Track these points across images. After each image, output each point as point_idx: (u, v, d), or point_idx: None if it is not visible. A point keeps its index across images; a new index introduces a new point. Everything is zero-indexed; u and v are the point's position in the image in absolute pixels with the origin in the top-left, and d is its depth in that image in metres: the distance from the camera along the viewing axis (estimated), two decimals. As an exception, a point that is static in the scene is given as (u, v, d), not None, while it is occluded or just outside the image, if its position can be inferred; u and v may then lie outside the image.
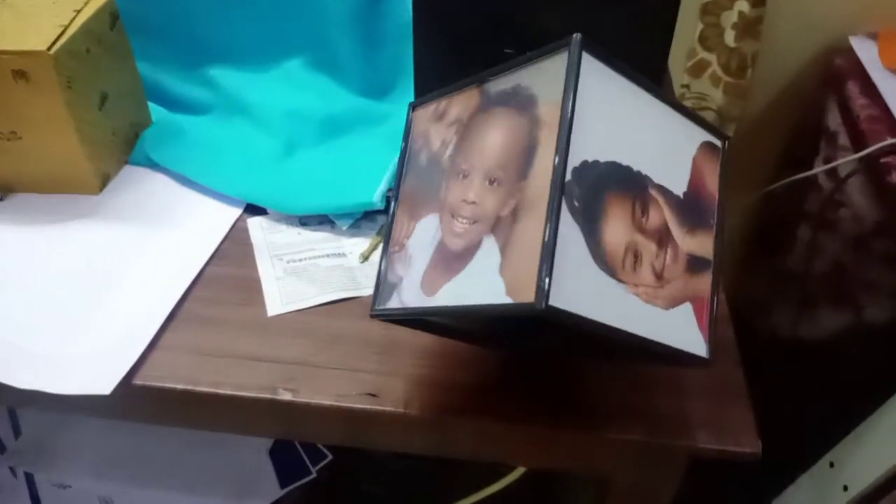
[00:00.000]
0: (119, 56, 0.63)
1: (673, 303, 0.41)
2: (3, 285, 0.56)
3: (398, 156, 0.48)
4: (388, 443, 0.54)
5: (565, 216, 0.36)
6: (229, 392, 0.48)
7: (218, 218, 0.62)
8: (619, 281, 0.38)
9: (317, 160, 0.66)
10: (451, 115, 0.45)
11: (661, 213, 0.41)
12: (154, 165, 0.66)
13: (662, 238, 0.41)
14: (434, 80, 0.50)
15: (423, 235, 0.43)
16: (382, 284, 0.45)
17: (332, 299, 0.55)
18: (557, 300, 0.34)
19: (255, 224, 0.62)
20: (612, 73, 0.40)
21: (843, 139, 0.90)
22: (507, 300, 0.36)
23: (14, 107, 0.57)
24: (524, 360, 0.51)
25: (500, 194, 0.39)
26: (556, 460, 0.54)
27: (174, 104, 0.70)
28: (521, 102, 0.40)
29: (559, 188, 0.35)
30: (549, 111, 0.37)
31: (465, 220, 0.40)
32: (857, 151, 0.83)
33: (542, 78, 0.39)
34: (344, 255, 0.59)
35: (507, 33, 0.55)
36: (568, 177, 0.36)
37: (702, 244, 0.43)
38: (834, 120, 0.92)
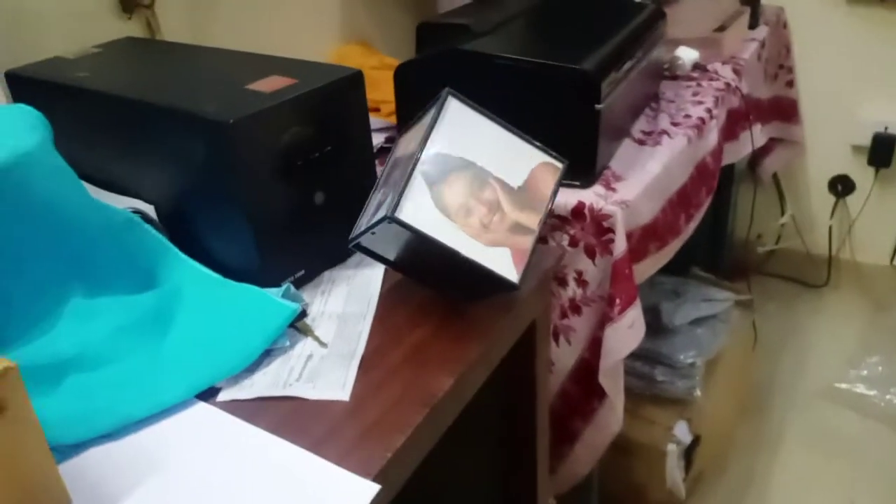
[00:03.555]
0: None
1: (493, 244, 0.64)
2: None
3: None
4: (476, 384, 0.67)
5: (418, 177, 0.62)
6: (412, 428, 0.58)
7: (203, 421, 0.60)
8: (452, 221, 0.62)
9: (189, 340, 0.67)
10: (408, 135, 0.72)
11: (494, 193, 0.65)
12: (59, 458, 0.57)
13: (493, 207, 0.65)
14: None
15: (378, 196, 0.69)
16: (357, 228, 0.70)
17: (357, 366, 0.64)
18: (401, 215, 0.61)
19: (230, 394, 0.62)
20: (471, 111, 0.68)
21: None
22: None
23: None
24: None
25: (402, 170, 0.65)
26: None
27: None
28: (420, 127, 0.68)
29: (414, 161, 0.63)
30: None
31: (387, 188, 0.67)
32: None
33: (428, 113, 0.68)
34: (311, 354, 0.67)
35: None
36: (423, 157, 0.63)
37: (528, 219, 0.66)
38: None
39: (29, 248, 0.65)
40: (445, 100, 0.66)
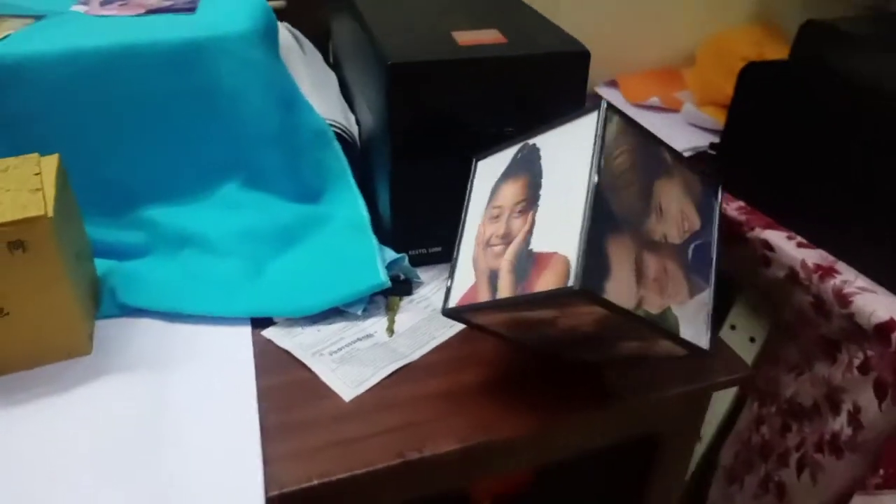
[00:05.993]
0: (74, 213, 0.59)
1: (475, 262, 0.51)
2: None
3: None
4: (499, 466, 0.56)
5: (512, 151, 0.54)
6: (362, 470, 0.49)
7: (232, 340, 0.59)
8: (484, 209, 0.53)
9: (293, 267, 0.66)
10: None
11: (522, 226, 0.48)
12: (124, 313, 0.61)
13: (509, 235, 0.49)
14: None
15: None
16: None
17: (388, 373, 0.56)
18: (481, 161, 0.57)
19: (274, 333, 0.60)
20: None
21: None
22: None
23: (6, 281, 0.51)
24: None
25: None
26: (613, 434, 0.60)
27: (110, 254, 0.66)
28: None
29: (531, 133, 0.53)
30: None
31: None
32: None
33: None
34: (371, 335, 0.60)
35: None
36: (532, 142, 0.52)
37: (504, 283, 0.48)
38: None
39: (199, 126, 0.69)
40: (607, 113, 0.46)
